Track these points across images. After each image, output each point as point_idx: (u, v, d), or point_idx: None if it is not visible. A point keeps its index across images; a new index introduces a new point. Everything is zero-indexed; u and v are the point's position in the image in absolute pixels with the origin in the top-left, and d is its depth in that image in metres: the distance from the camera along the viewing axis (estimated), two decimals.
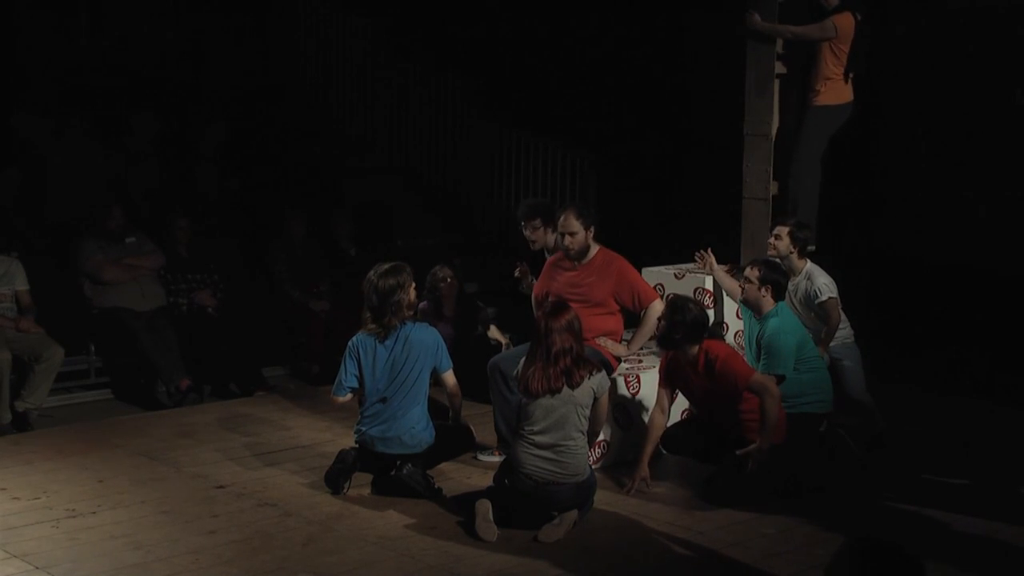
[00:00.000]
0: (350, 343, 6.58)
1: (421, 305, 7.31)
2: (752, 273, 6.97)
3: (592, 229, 7.11)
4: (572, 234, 7.07)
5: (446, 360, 6.62)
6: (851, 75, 7.90)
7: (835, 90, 7.86)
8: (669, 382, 6.78)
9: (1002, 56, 9.66)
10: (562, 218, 7.14)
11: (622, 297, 7.10)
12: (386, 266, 6.55)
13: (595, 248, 7.18)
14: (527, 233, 7.89)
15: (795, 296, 7.44)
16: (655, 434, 6.75)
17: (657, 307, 7.11)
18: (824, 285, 7.40)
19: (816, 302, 7.39)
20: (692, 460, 6.93)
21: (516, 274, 7.88)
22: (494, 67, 12.16)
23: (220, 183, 10.76)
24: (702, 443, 6.80)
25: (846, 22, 7.81)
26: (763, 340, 6.88)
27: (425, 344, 6.51)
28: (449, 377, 6.66)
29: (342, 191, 11.22)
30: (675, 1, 11.11)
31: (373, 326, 6.50)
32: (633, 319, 7.33)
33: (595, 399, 6.08)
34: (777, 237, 7.45)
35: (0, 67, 10.80)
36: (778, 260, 7.31)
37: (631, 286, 7.11)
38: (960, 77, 9.91)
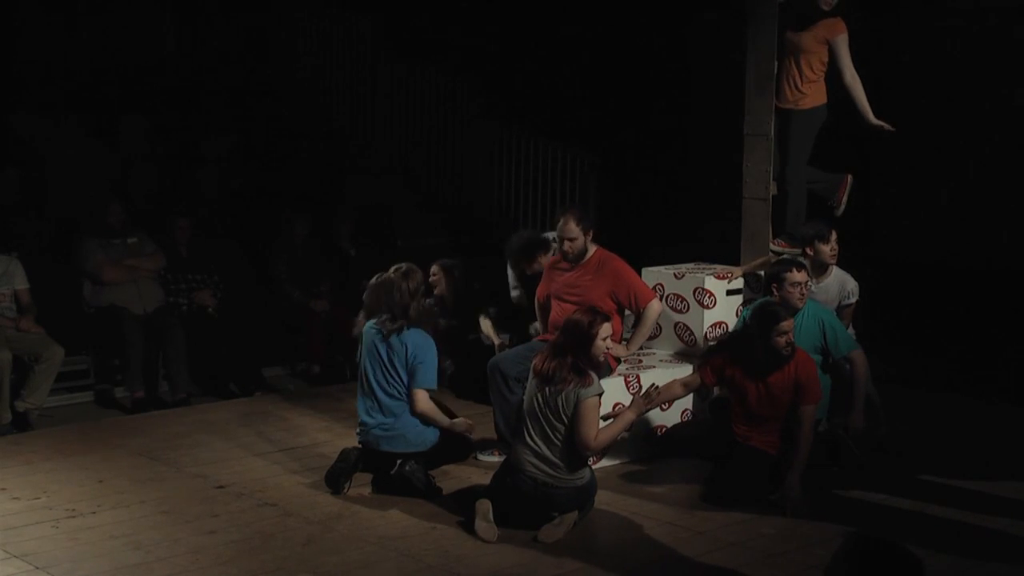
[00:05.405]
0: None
1: (427, 302, 7.34)
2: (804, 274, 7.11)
3: (591, 233, 7.12)
4: (571, 239, 7.09)
5: (425, 376, 6.51)
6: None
7: (818, 92, 7.88)
8: (719, 378, 6.77)
9: (1002, 56, 9.67)
10: (561, 223, 7.15)
11: (619, 297, 7.09)
12: (405, 267, 6.63)
13: (592, 248, 7.18)
14: (534, 267, 7.90)
15: (823, 296, 7.46)
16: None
17: (655, 307, 7.11)
18: (856, 287, 7.55)
19: (845, 304, 7.51)
20: (695, 459, 6.95)
21: (497, 348, 8.00)
22: (495, 67, 12.16)
23: (221, 184, 10.77)
24: (707, 443, 6.83)
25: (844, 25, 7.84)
26: (824, 323, 7.02)
27: (414, 351, 6.49)
28: (420, 397, 6.50)
29: (342, 191, 11.22)
30: (676, 1, 11.11)
31: (386, 319, 6.55)
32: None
33: (576, 403, 5.92)
34: (830, 244, 7.51)
35: (0, 67, 10.80)
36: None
37: (628, 286, 7.10)
38: (960, 77, 9.92)
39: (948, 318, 9.61)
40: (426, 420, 6.57)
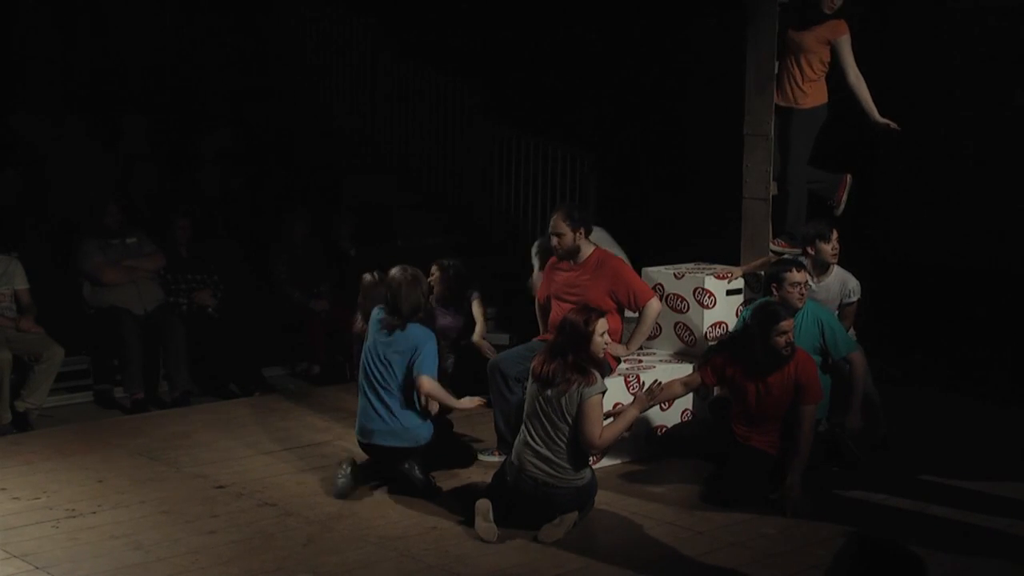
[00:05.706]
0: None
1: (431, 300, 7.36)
2: (804, 274, 7.12)
3: (582, 231, 7.10)
4: (559, 235, 7.09)
5: (426, 363, 6.54)
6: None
7: (819, 91, 7.87)
8: (719, 378, 6.76)
9: (1002, 56, 9.67)
10: (552, 218, 7.17)
11: (618, 296, 7.09)
12: (411, 271, 6.65)
13: (590, 248, 7.17)
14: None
15: (824, 296, 7.46)
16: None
17: (654, 306, 7.11)
18: (858, 286, 7.55)
19: (846, 303, 7.52)
20: (695, 459, 6.95)
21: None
22: (495, 67, 12.16)
23: (221, 184, 10.77)
24: (707, 443, 6.83)
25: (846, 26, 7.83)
26: (823, 324, 7.03)
27: (415, 343, 6.52)
28: (424, 380, 6.52)
29: (342, 191, 11.22)
30: (676, 2, 11.11)
31: (390, 317, 6.57)
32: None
33: (580, 402, 5.96)
34: (831, 243, 7.50)
35: (0, 67, 10.80)
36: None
37: (627, 285, 7.10)
38: (960, 77, 9.92)
39: (948, 318, 9.60)
40: (428, 411, 6.56)
